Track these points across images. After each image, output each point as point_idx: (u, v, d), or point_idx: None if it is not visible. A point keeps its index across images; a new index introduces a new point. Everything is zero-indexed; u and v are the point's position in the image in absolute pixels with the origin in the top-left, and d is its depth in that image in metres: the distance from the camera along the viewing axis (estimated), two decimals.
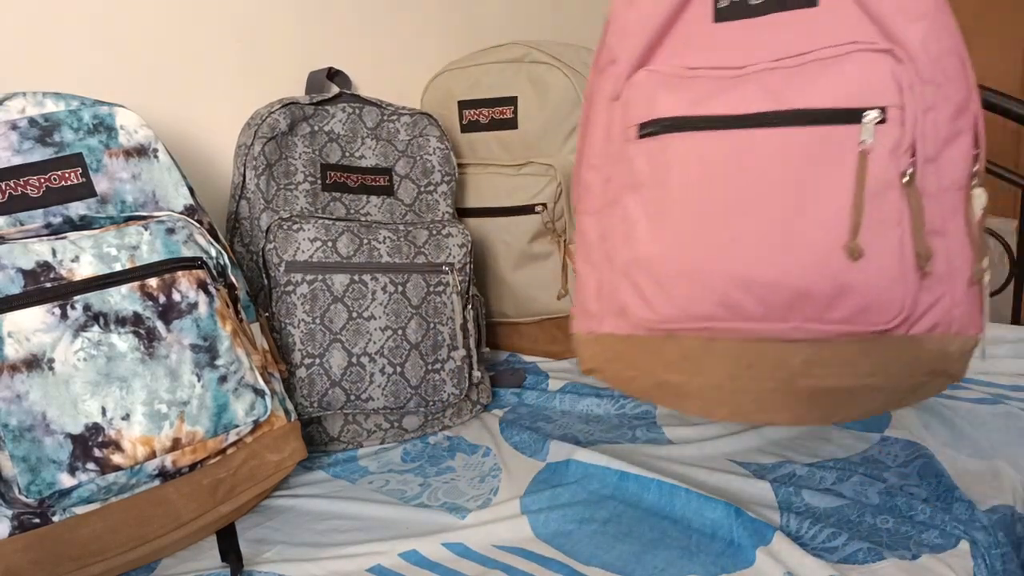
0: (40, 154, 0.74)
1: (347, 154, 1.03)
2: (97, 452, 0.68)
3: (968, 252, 0.63)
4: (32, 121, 0.75)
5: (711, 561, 0.70)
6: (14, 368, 0.66)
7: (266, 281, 0.92)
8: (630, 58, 0.68)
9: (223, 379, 0.75)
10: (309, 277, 0.91)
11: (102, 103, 0.79)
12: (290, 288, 0.91)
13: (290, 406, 0.86)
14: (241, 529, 0.79)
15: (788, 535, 0.73)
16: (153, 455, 0.71)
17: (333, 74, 1.14)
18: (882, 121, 0.59)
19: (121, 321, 0.71)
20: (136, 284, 0.73)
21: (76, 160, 0.76)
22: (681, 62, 0.66)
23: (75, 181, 0.76)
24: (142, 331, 0.72)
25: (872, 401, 0.65)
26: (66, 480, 0.66)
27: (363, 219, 1.01)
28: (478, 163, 1.18)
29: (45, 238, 0.71)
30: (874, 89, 0.60)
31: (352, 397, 0.92)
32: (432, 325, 0.97)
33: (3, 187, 0.72)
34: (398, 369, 0.94)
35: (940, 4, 0.62)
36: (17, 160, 0.73)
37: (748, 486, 0.79)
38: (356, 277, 0.93)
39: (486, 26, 1.42)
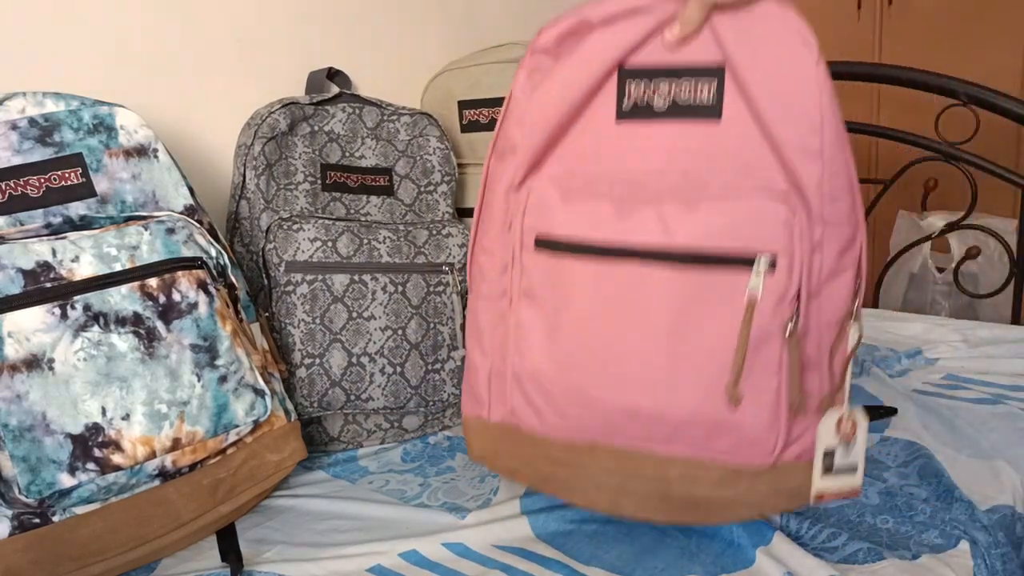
0: (40, 154, 0.74)
1: (347, 154, 1.03)
2: (97, 452, 0.68)
3: (829, 386, 0.65)
4: (32, 121, 0.75)
5: (711, 561, 0.70)
6: (14, 368, 0.66)
7: (266, 281, 0.92)
8: (528, 150, 0.67)
9: (223, 379, 0.75)
10: (309, 277, 0.91)
11: (102, 103, 0.79)
12: (290, 288, 0.91)
13: (290, 406, 0.86)
14: (241, 529, 0.79)
15: (788, 535, 0.73)
16: (153, 455, 0.71)
17: (333, 74, 1.14)
18: (771, 268, 0.60)
19: (121, 321, 0.71)
20: (136, 284, 0.73)
21: (76, 160, 0.76)
22: (582, 167, 0.66)
23: (75, 181, 0.76)
24: (142, 331, 0.72)
25: (742, 512, 0.68)
26: (66, 480, 0.66)
27: (363, 219, 1.01)
28: (478, 163, 1.18)
29: (45, 238, 0.71)
30: (766, 237, 0.61)
31: (352, 397, 0.92)
32: (432, 325, 0.97)
33: (3, 187, 0.72)
34: (398, 369, 0.94)
35: (840, 142, 0.62)
36: (17, 160, 0.73)
37: None
38: (356, 277, 0.93)
39: (486, 26, 1.42)
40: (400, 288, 0.95)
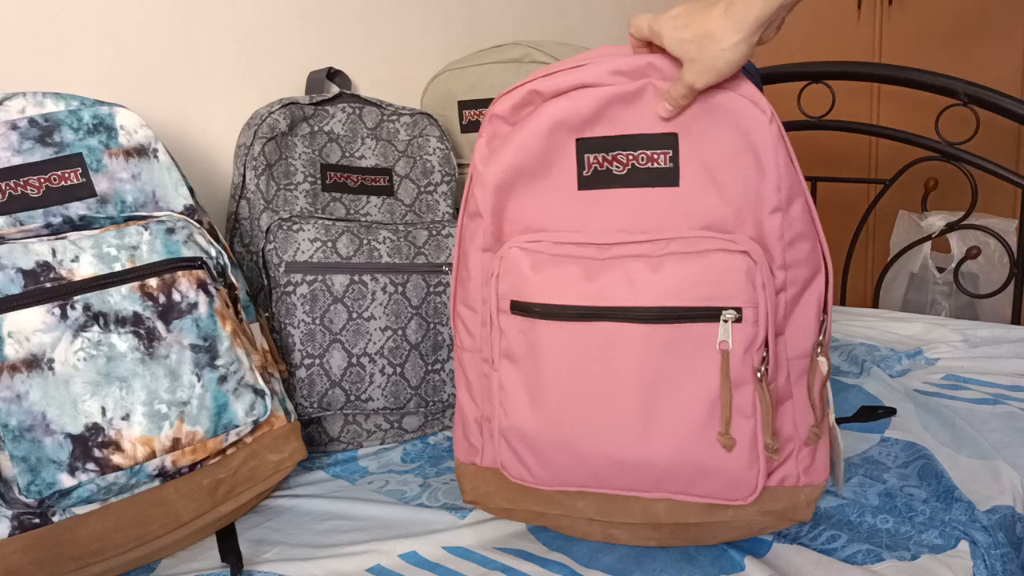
0: (40, 154, 0.74)
1: (347, 154, 1.03)
2: (97, 452, 0.68)
3: (808, 416, 0.68)
4: (32, 121, 0.75)
5: (709, 563, 0.70)
6: (14, 368, 0.66)
7: (266, 281, 0.92)
8: (490, 214, 0.70)
9: (223, 379, 0.75)
10: (309, 277, 0.91)
11: (102, 103, 0.79)
12: (290, 288, 0.91)
13: (290, 406, 0.86)
14: (241, 529, 0.79)
15: (787, 536, 0.73)
16: (153, 455, 0.71)
17: (333, 74, 1.14)
18: (738, 320, 0.63)
19: (121, 321, 0.71)
20: (136, 284, 0.73)
21: (76, 160, 0.76)
22: (549, 234, 0.69)
23: (75, 181, 0.76)
24: (142, 331, 0.72)
25: (732, 534, 0.71)
26: (66, 480, 0.66)
27: (363, 219, 1.01)
28: None
29: (45, 238, 0.71)
30: (730, 290, 0.63)
31: (352, 397, 0.92)
32: (432, 325, 0.97)
33: (3, 187, 0.72)
34: (398, 369, 0.94)
35: (797, 189, 0.65)
36: (17, 160, 0.73)
37: None
38: (356, 277, 0.93)
39: (486, 26, 1.42)
40: (400, 288, 0.95)
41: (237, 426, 0.76)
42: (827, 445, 0.70)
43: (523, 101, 0.69)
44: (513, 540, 0.75)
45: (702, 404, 0.64)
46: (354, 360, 0.92)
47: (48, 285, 0.69)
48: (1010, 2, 1.77)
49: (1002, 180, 1.27)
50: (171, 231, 0.76)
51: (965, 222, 1.39)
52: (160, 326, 0.73)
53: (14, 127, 0.74)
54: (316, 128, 1.01)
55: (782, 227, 0.65)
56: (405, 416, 0.98)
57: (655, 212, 0.67)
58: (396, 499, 0.84)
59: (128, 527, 0.71)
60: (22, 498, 0.65)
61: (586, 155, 0.68)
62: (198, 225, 0.79)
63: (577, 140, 0.68)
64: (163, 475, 0.72)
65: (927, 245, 1.63)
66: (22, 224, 0.72)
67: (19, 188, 0.73)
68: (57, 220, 0.73)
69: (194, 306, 0.75)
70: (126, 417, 0.70)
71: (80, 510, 0.69)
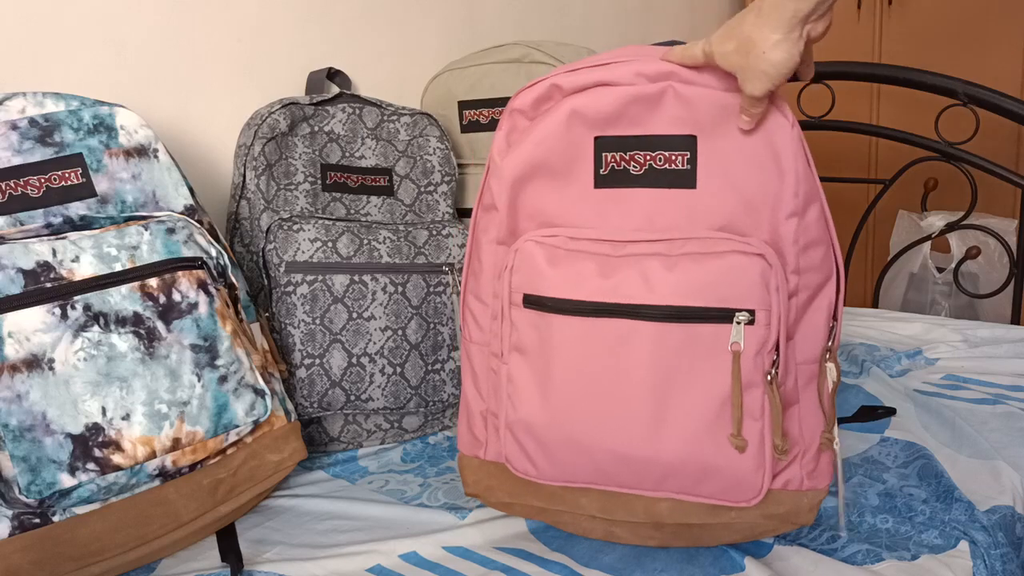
0: (40, 154, 0.74)
1: (347, 154, 1.03)
2: (97, 452, 0.68)
3: (820, 421, 0.68)
4: (32, 121, 0.75)
5: (709, 563, 0.70)
6: (14, 368, 0.66)
7: (266, 281, 0.92)
8: (506, 207, 0.71)
9: (223, 379, 0.75)
10: (309, 277, 0.91)
11: (102, 103, 0.79)
12: (290, 288, 0.91)
13: (290, 406, 0.86)
14: (241, 529, 0.79)
15: (787, 537, 0.73)
16: (153, 455, 0.71)
17: (333, 74, 1.14)
18: (751, 322, 0.63)
19: (121, 321, 0.71)
20: (136, 284, 0.73)
21: (76, 160, 0.76)
22: (565, 229, 0.69)
23: (75, 181, 0.76)
24: (142, 331, 0.72)
25: (735, 536, 0.71)
26: (66, 480, 0.66)
27: (363, 219, 1.01)
28: (478, 163, 1.18)
29: (45, 238, 0.71)
30: (744, 292, 0.63)
31: (352, 397, 0.92)
32: (432, 325, 0.97)
33: (3, 187, 0.72)
34: (398, 369, 0.94)
35: (814, 194, 0.65)
36: (17, 160, 0.73)
37: None
38: (356, 277, 0.93)
39: (486, 26, 1.42)
40: (400, 288, 0.95)
41: (237, 426, 0.76)
42: (831, 451, 0.70)
43: (544, 96, 0.69)
44: (513, 540, 0.75)
45: (712, 404, 0.64)
46: (354, 360, 0.92)
47: (48, 285, 0.69)
48: (1010, 2, 1.77)
49: (1002, 180, 1.27)
50: (171, 231, 0.76)
51: (965, 222, 1.39)
52: (160, 326, 0.73)
53: (14, 127, 0.74)
54: (316, 128, 1.01)
55: (797, 232, 0.65)
56: (405, 416, 0.98)
57: (671, 213, 0.67)
58: (396, 499, 0.84)
59: (128, 527, 0.71)
60: (22, 498, 0.65)
61: (604, 153, 0.68)
62: (198, 225, 0.79)
63: (595, 138, 0.68)
64: (163, 475, 0.72)
65: (927, 245, 1.63)
66: (22, 224, 0.72)
67: (19, 188, 0.73)
68: (57, 220, 0.73)
69: (194, 306, 0.75)
70: (126, 417, 0.70)
71: (80, 510, 0.69)
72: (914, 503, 0.76)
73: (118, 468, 0.69)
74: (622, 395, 0.65)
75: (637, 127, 0.67)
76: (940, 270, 1.66)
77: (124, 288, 0.72)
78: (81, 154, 0.76)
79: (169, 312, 0.74)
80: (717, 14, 2.04)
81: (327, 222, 0.94)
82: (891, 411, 0.95)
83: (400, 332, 0.94)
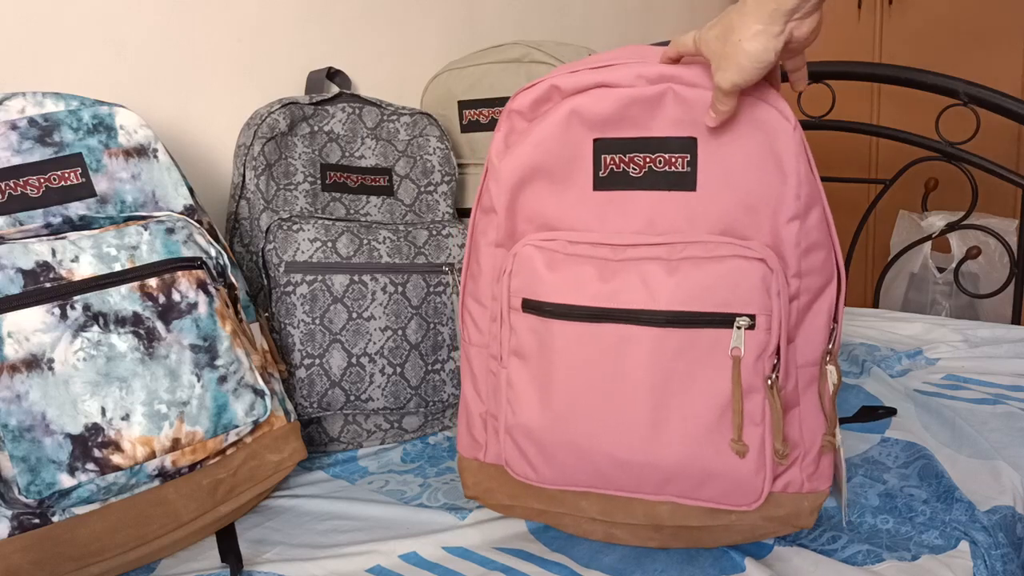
0: (40, 154, 0.74)
1: (347, 154, 1.03)
2: (97, 452, 0.68)
3: (820, 423, 0.68)
4: (32, 121, 0.74)
5: (710, 564, 0.70)
6: (14, 368, 0.66)
7: (266, 281, 0.92)
8: (504, 209, 0.70)
9: (223, 379, 0.75)
10: (309, 278, 0.91)
11: (102, 103, 0.79)
12: (290, 288, 0.91)
13: (290, 406, 0.86)
14: (241, 529, 0.79)
15: (788, 537, 0.73)
16: (153, 455, 0.71)
17: (333, 74, 1.14)
18: (751, 327, 0.63)
19: (121, 321, 0.71)
20: (136, 284, 0.73)
21: (76, 160, 0.76)
22: (565, 233, 0.68)
23: (75, 181, 0.76)
24: (142, 331, 0.72)
25: (735, 537, 0.70)
26: (66, 480, 0.66)
27: (363, 219, 1.01)
28: (478, 163, 1.18)
29: (45, 238, 0.71)
30: (745, 296, 0.63)
31: (352, 397, 0.92)
32: (432, 325, 0.97)
33: (3, 187, 0.72)
34: (398, 369, 0.94)
35: (816, 196, 0.64)
36: (17, 160, 0.73)
37: None
38: (356, 277, 0.93)
39: (486, 26, 1.42)
40: (400, 288, 0.95)
41: (237, 426, 0.76)
42: (832, 453, 0.70)
43: (543, 97, 0.68)
44: (513, 540, 0.75)
45: (712, 409, 0.64)
46: (354, 360, 0.92)
47: (48, 285, 0.68)
48: (1010, 2, 1.77)
49: (1002, 180, 1.27)
50: (171, 231, 0.76)
51: (965, 222, 1.39)
52: (160, 326, 0.73)
53: (14, 127, 0.74)
54: (316, 128, 1.01)
55: (799, 235, 0.64)
56: (405, 416, 0.97)
57: (671, 215, 0.67)
58: (396, 499, 0.84)
59: (128, 527, 0.71)
60: (22, 498, 0.65)
61: (603, 155, 0.67)
62: (198, 225, 0.79)
63: (595, 140, 0.67)
64: (163, 475, 0.72)
65: (927, 245, 1.63)
66: (22, 224, 0.72)
67: (19, 188, 0.73)
68: (57, 220, 0.73)
69: (194, 306, 0.75)
70: (126, 417, 0.70)
71: (80, 510, 0.69)
72: (914, 503, 0.76)
73: (118, 468, 0.69)
74: (622, 400, 0.65)
75: (637, 129, 0.66)
76: (940, 270, 1.66)
77: (124, 288, 0.72)
78: (80, 154, 0.76)
79: (169, 312, 0.74)
80: (717, 14, 2.04)
81: (327, 222, 0.94)
82: (891, 411, 0.95)
83: (400, 332, 0.94)
